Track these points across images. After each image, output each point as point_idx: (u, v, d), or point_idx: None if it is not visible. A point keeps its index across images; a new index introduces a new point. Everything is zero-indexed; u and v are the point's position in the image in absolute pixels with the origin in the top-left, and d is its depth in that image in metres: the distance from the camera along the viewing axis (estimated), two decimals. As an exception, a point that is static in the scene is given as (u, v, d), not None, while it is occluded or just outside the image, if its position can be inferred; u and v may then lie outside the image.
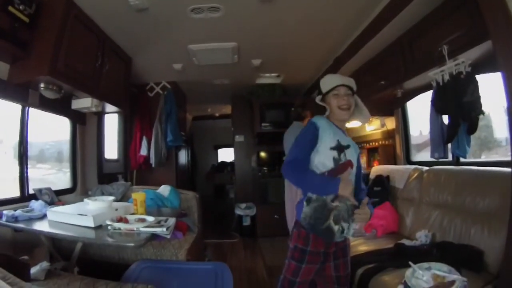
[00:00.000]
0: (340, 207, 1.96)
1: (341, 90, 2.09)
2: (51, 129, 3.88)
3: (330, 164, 1.98)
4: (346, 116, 2.10)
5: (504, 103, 1.95)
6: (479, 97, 2.52)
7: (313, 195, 2.01)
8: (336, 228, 1.96)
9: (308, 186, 2.01)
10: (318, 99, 2.18)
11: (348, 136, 2.19)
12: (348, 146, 2.06)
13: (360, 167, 2.23)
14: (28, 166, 3.30)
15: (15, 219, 2.53)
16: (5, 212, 2.56)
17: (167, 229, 2.37)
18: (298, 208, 2.09)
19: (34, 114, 3.36)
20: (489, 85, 2.62)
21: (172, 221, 2.59)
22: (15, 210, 2.63)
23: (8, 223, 2.50)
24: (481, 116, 2.56)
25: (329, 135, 2.01)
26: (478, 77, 2.59)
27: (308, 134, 2.05)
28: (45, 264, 2.31)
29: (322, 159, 1.99)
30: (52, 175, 3.97)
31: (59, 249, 3.02)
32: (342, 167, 1.96)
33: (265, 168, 6.71)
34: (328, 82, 2.14)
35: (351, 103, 2.09)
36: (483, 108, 2.52)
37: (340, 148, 2.01)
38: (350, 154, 2.06)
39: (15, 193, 3.15)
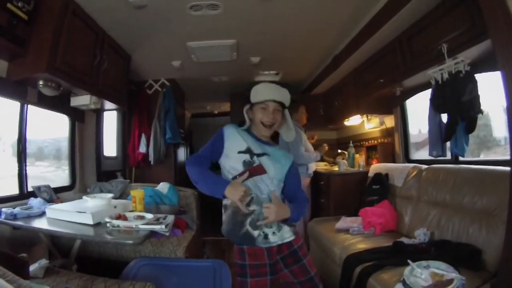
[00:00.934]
0: (258, 211, 1.92)
1: (270, 105, 2.04)
2: (50, 126, 3.87)
3: (240, 167, 1.96)
4: (267, 133, 2.07)
5: (503, 102, 1.95)
6: (478, 96, 2.53)
7: (227, 201, 2.01)
8: (255, 233, 1.92)
9: (202, 183, 1.96)
10: (245, 109, 2.12)
11: (273, 146, 2.12)
12: (261, 154, 2.00)
13: (292, 182, 2.13)
14: (27, 163, 3.30)
15: (14, 216, 2.52)
16: (3, 209, 2.56)
17: (166, 227, 2.37)
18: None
19: (33, 111, 3.36)
20: (489, 84, 2.63)
21: (170, 218, 2.59)
22: (13, 208, 2.63)
23: (6, 221, 2.49)
24: (479, 115, 2.56)
25: (236, 141, 2.01)
26: (477, 76, 2.60)
27: (213, 138, 2.07)
28: (44, 262, 2.31)
29: (232, 163, 1.99)
30: (51, 172, 3.96)
31: (57, 246, 3.02)
32: (254, 170, 1.95)
33: (263, 166, 6.71)
34: (259, 93, 2.06)
35: (276, 120, 2.05)
36: (481, 107, 2.53)
37: (251, 153, 1.98)
38: (266, 162, 1.99)
39: (14, 190, 3.15)
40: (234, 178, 1.96)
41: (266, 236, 1.93)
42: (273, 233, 1.95)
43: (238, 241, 1.99)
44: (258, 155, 1.99)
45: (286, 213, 1.93)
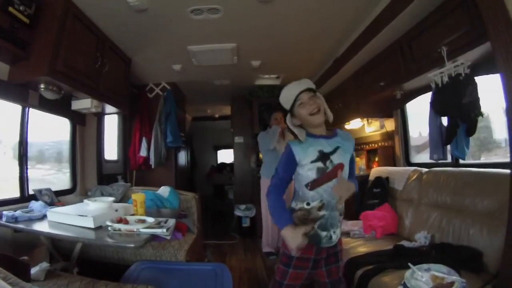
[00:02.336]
0: (327, 215, 1.97)
1: (304, 96, 2.01)
2: (51, 129, 3.87)
3: (313, 175, 1.96)
4: (321, 119, 2.02)
5: (503, 103, 1.96)
6: (478, 99, 2.53)
7: (298, 204, 2.03)
8: (323, 234, 1.98)
9: (271, 212, 2.02)
10: (288, 120, 2.10)
11: (335, 136, 2.09)
12: (334, 151, 1.99)
13: (353, 161, 2.19)
14: (28, 166, 3.30)
15: (15, 219, 2.53)
16: (5, 212, 2.57)
17: (167, 230, 2.38)
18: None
19: (34, 114, 3.37)
20: (489, 86, 2.63)
21: (172, 222, 2.60)
22: (15, 211, 2.64)
23: (8, 224, 2.50)
24: (480, 118, 2.57)
25: (305, 152, 1.99)
26: (477, 79, 2.60)
27: (284, 156, 2.06)
28: (45, 265, 2.32)
29: (305, 171, 1.98)
30: (52, 175, 3.96)
31: (58, 249, 3.02)
32: (328, 176, 1.95)
33: (264, 169, 6.70)
34: (287, 95, 2.05)
35: (319, 104, 2.01)
36: (482, 110, 2.53)
37: (323, 158, 1.97)
38: (340, 156, 2.00)
39: (14, 193, 3.16)
40: (307, 185, 1.98)
41: (330, 237, 1.99)
42: (334, 232, 2.01)
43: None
44: (332, 153, 1.98)
45: (353, 188, 1.99)
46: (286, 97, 2.05)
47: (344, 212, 2.08)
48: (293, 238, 1.85)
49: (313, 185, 1.96)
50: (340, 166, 1.96)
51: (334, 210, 1.98)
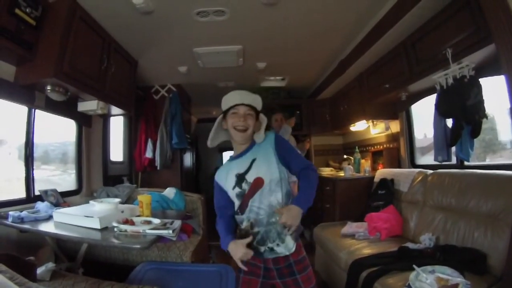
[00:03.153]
0: (262, 231, 1.93)
1: (241, 109, 1.97)
2: (56, 130, 3.91)
3: (237, 202, 1.97)
4: (241, 139, 2.00)
5: (508, 105, 1.96)
6: (482, 101, 2.54)
7: (241, 227, 2.00)
8: (262, 248, 1.95)
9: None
10: (219, 120, 2.06)
11: (253, 145, 2.04)
12: (249, 167, 1.97)
13: (285, 154, 2.03)
14: (34, 167, 3.33)
15: (21, 220, 2.55)
16: (11, 213, 2.58)
17: (173, 231, 2.39)
18: None
19: (38, 114, 3.39)
20: (494, 87, 2.63)
21: (177, 223, 2.61)
22: (21, 211, 2.65)
23: (14, 224, 2.52)
24: (484, 120, 2.56)
25: (226, 179, 2.02)
26: (482, 80, 2.61)
27: (216, 191, 2.10)
28: (50, 265, 2.33)
29: (232, 198, 2.00)
30: (57, 176, 3.98)
31: (63, 250, 3.03)
32: (247, 197, 1.94)
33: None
34: (229, 99, 2.02)
35: (248, 125, 1.96)
36: (486, 112, 2.53)
37: (240, 180, 1.97)
38: (257, 168, 1.96)
39: (19, 193, 3.18)
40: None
41: (272, 249, 1.94)
42: (277, 245, 1.94)
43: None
44: (247, 171, 1.96)
45: (299, 210, 1.87)
46: (228, 100, 2.02)
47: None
48: (236, 249, 1.83)
49: (240, 210, 1.96)
50: (257, 181, 1.93)
51: (268, 225, 1.92)
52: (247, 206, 1.93)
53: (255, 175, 1.93)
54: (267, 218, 1.91)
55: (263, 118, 2.05)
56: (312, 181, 1.99)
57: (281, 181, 1.94)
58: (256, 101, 2.03)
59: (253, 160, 1.97)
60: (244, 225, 1.93)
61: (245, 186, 1.94)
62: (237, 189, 1.96)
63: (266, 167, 1.95)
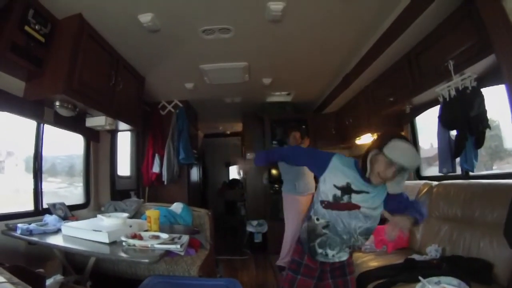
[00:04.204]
0: (329, 235, 2.03)
1: (397, 167, 1.89)
2: (63, 143, 3.95)
3: (330, 198, 2.02)
4: (375, 183, 1.97)
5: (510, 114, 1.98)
6: (485, 111, 2.55)
7: (312, 216, 2.10)
8: (319, 251, 2.07)
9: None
10: (372, 154, 1.96)
11: (372, 184, 2.00)
12: (359, 192, 1.99)
13: (398, 199, 2.08)
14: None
15: (30, 232, 2.58)
16: (19, 225, 2.61)
17: (181, 246, 2.41)
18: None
19: (46, 127, 3.43)
20: (499, 94, 2.63)
21: (185, 238, 2.63)
22: (29, 224, 2.69)
23: (22, 236, 2.55)
24: (487, 130, 2.58)
25: (337, 175, 2.03)
26: (485, 90, 2.63)
27: (321, 154, 2.14)
28: (59, 277, 2.36)
29: (326, 190, 2.03)
30: (63, 189, 4.02)
31: (71, 263, 3.06)
32: (340, 206, 2.00)
33: (276, 186, 6.65)
34: (397, 152, 1.87)
35: (388, 179, 1.93)
36: (489, 122, 2.55)
37: (346, 190, 1.99)
38: (361, 199, 1.98)
39: (26, 204, 3.21)
40: (322, 202, 2.04)
41: (326, 255, 2.06)
42: (333, 255, 2.07)
43: (304, 249, 2.16)
44: (356, 192, 1.99)
45: (407, 219, 1.94)
46: (396, 151, 1.88)
47: (356, 247, 2.13)
48: None
49: (327, 205, 2.02)
50: (355, 206, 1.98)
51: (337, 235, 2.02)
52: (335, 210, 2.01)
53: (357, 202, 1.99)
54: (341, 232, 2.02)
55: (405, 176, 2.01)
56: (423, 212, 2.08)
57: (371, 220, 2.05)
58: (415, 165, 2.05)
59: (365, 191, 2.00)
60: (322, 222, 2.04)
61: (345, 198, 1.99)
62: (337, 191, 2.00)
63: (369, 206, 2.01)
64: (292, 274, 2.18)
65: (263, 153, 2.53)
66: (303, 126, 6.40)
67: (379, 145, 1.94)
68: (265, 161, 2.48)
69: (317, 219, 2.05)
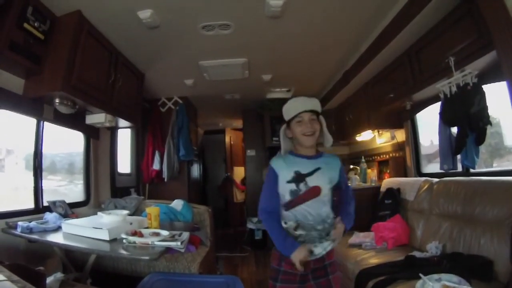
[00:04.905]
0: (304, 234, 1.99)
1: (305, 116, 2.03)
2: (63, 141, 3.95)
3: (287, 197, 2.00)
4: (311, 142, 2.04)
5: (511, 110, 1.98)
6: (486, 107, 2.54)
7: (284, 225, 2.05)
8: None
9: (274, 238, 2.03)
10: (282, 130, 2.15)
11: (322, 156, 2.11)
12: (312, 172, 2.00)
13: (343, 181, 2.15)
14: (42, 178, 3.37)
15: (30, 230, 2.58)
16: (20, 223, 2.61)
17: (181, 243, 2.41)
18: None
19: (46, 125, 3.43)
20: (499, 91, 2.63)
21: (186, 235, 2.63)
22: (29, 222, 2.68)
23: (23, 234, 2.55)
24: (488, 126, 2.57)
25: (284, 170, 2.03)
26: (486, 87, 2.63)
27: (270, 180, 2.09)
28: (59, 275, 2.36)
29: (282, 191, 2.02)
30: (63, 186, 4.02)
31: (72, 260, 3.06)
32: (301, 198, 1.97)
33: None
34: (291, 109, 2.08)
35: (315, 129, 2.03)
36: (490, 118, 2.54)
37: (298, 179, 1.99)
38: (318, 177, 2.00)
39: (26, 202, 3.20)
40: (282, 206, 2.03)
41: (311, 252, 1.99)
42: (315, 246, 2.00)
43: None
44: (309, 174, 2.00)
45: (344, 229, 2.03)
46: (289, 110, 2.08)
47: (330, 230, 2.04)
48: (299, 252, 1.89)
49: (287, 206, 2.00)
50: (315, 189, 1.97)
51: (311, 230, 1.98)
52: (297, 206, 1.98)
53: (315, 182, 1.98)
54: (314, 224, 1.98)
55: (322, 120, 2.12)
56: (353, 209, 2.16)
57: (333, 197, 2.02)
58: (317, 105, 2.10)
59: (318, 168, 2.01)
60: (291, 224, 1.99)
61: (302, 187, 1.98)
62: (293, 186, 1.98)
63: (328, 180, 2.01)
64: (272, 283, 2.11)
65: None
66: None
67: (283, 122, 2.13)
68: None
69: (285, 223, 2.02)
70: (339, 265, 2.20)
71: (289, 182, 1.99)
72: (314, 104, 2.08)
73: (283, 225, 2.02)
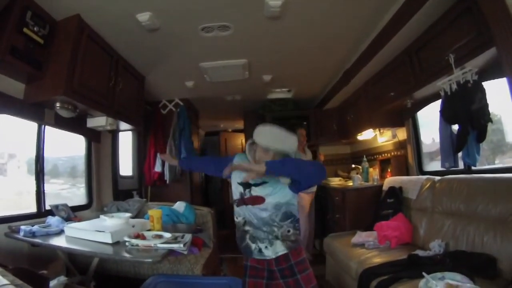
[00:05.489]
0: (252, 231, 2.08)
1: (271, 150, 2.03)
2: (65, 144, 3.96)
3: (237, 195, 2.14)
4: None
5: (512, 106, 1.98)
6: (486, 105, 2.54)
7: (236, 219, 2.18)
8: (253, 246, 2.10)
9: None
10: (248, 144, 2.21)
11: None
12: (259, 184, 2.05)
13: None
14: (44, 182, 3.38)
15: (33, 234, 2.59)
16: (22, 227, 2.62)
17: (184, 245, 2.41)
18: None
19: (48, 128, 3.44)
20: (500, 88, 2.63)
21: (188, 237, 2.63)
22: (32, 226, 2.69)
23: (25, 238, 2.55)
24: (489, 123, 2.57)
25: (238, 172, 2.09)
26: (486, 84, 2.63)
27: (222, 158, 2.36)
28: (62, 278, 2.36)
29: (234, 189, 2.17)
30: (66, 190, 4.03)
31: (75, 263, 3.07)
32: (244, 201, 2.09)
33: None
34: (263, 136, 2.04)
35: (262, 159, 2.01)
36: (491, 116, 2.54)
37: (246, 185, 2.07)
38: (263, 190, 2.04)
39: (29, 206, 3.22)
40: (234, 201, 2.17)
41: (260, 250, 2.07)
42: (266, 247, 2.06)
43: (243, 252, 2.18)
44: (255, 185, 2.06)
45: (263, 168, 1.88)
46: (262, 136, 2.04)
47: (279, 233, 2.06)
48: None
49: (238, 203, 2.14)
50: (258, 198, 2.05)
51: (257, 228, 2.06)
52: (243, 205, 2.11)
53: (259, 193, 2.06)
54: (259, 225, 2.06)
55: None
56: (305, 162, 2.11)
57: (283, 205, 2.06)
58: (291, 145, 2.06)
59: (264, 182, 2.05)
60: (240, 220, 2.14)
61: (247, 193, 2.09)
62: (241, 188, 2.11)
63: (271, 192, 2.04)
64: (243, 278, 2.20)
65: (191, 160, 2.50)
66: (304, 123, 6.40)
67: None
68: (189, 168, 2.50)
69: (236, 218, 2.16)
70: (308, 263, 2.15)
71: (239, 184, 2.11)
72: (289, 144, 2.05)
73: (236, 219, 2.17)
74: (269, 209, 2.04)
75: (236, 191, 2.14)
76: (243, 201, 2.09)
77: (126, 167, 5.26)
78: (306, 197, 4.86)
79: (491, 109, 2.56)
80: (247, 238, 2.10)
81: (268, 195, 2.04)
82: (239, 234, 2.17)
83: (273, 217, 2.03)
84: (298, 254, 2.13)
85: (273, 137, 2.02)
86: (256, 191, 2.06)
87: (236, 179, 2.14)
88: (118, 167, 4.82)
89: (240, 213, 2.13)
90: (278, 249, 2.06)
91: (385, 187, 4.30)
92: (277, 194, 2.04)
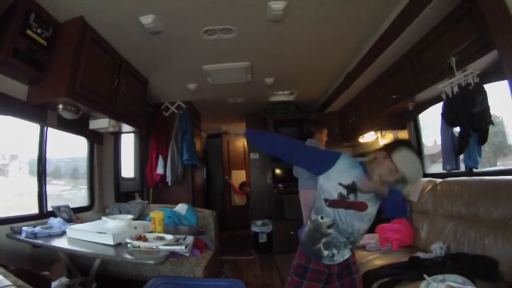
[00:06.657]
0: (334, 235, 1.99)
1: (399, 175, 1.87)
2: (67, 145, 3.98)
3: (334, 196, 1.97)
4: (374, 183, 1.92)
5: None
6: (488, 107, 2.54)
7: (315, 215, 2.05)
8: (325, 253, 2.02)
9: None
10: (380, 154, 1.98)
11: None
12: (365, 191, 1.95)
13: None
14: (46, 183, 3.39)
15: (35, 235, 2.60)
16: (24, 228, 2.63)
17: (185, 247, 2.41)
18: (303, 228, 2.22)
19: (50, 130, 3.45)
20: (502, 90, 2.63)
21: (190, 239, 2.63)
22: (34, 227, 2.70)
23: (27, 239, 2.56)
24: (491, 126, 2.57)
25: (343, 173, 1.98)
26: (488, 86, 2.63)
27: (328, 152, 2.15)
28: (64, 280, 2.38)
29: (330, 188, 1.99)
30: (67, 191, 4.05)
31: (76, 265, 3.08)
32: (346, 204, 1.95)
33: (280, 185, 6.65)
34: (403, 162, 1.86)
35: (384, 177, 1.88)
36: (492, 118, 2.54)
37: (352, 188, 1.95)
38: (368, 198, 1.97)
39: (30, 207, 3.22)
40: (326, 200, 1.99)
41: (332, 256, 2.03)
42: (338, 253, 2.03)
43: (308, 254, 2.10)
44: (362, 191, 1.96)
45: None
46: (401, 161, 1.87)
47: (357, 241, 2.08)
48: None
49: (331, 203, 1.97)
50: (362, 204, 1.96)
51: (341, 234, 1.99)
52: (339, 208, 1.97)
53: (363, 200, 1.97)
54: (346, 231, 1.99)
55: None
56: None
57: (374, 216, 2.04)
58: (415, 180, 2.02)
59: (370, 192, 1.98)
60: (327, 221, 1.99)
61: (351, 196, 1.95)
62: (343, 189, 1.96)
63: (373, 205, 2.00)
64: (298, 279, 2.10)
65: (262, 134, 2.42)
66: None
67: (388, 149, 1.93)
68: (259, 144, 2.39)
69: (322, 218, 2.00)
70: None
71: (342, 185, 1.96)
72: (415, 179, 2.00)
73: (319, 219, 2.01)
74: (365, 220, 2.01)
75: (334, 191, 1.97)
76: (344, 204, 1.96)
77: (128, 169, 5.27)
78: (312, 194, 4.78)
79: (492, 111, 2.56)
80: (322, 242, 2.02)
81: (371, 204, 1.98)
82: (311, 235, 2.06)
83: (364, 227, 2.02)
84: (353, 255, 2.16)
85: (413, 169, 1.90)
86: (362, 197, 1.96)
87: (339, 178, 1.98)
88: (120, 169, 4.83)
89: (331, 214, 1.97)
90: (345, 253, 2.07)
91: (387, 190, 4.28)
92: (375, 206, 2.01)
